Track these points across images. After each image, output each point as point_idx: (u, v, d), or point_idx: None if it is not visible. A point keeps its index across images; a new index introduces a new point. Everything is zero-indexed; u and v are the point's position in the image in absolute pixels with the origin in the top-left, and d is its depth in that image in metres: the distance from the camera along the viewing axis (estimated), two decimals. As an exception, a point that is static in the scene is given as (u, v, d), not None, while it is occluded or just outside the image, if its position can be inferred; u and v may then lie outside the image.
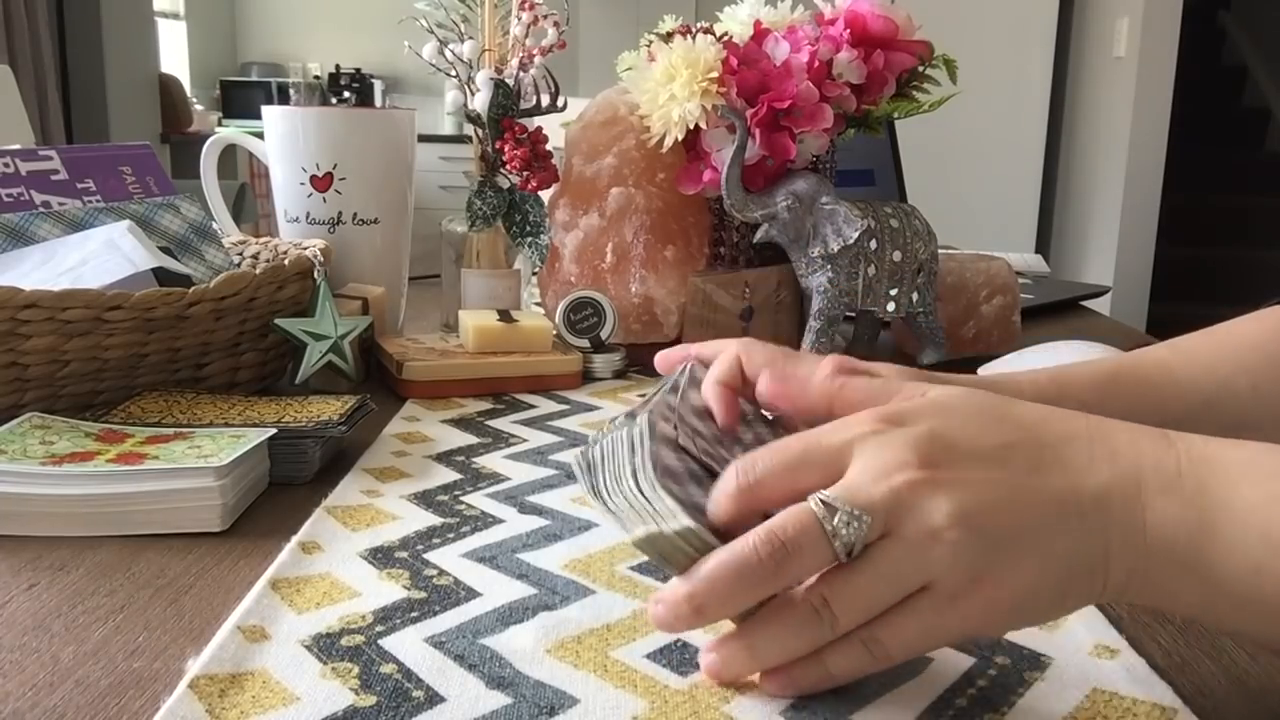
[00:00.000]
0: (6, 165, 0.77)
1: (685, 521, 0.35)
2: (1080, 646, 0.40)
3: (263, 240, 0.87)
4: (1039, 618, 0.36)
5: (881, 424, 0.35)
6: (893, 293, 0.84)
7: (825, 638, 0.35)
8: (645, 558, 0.48)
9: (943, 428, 0.35)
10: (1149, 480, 0.34)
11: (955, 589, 0.34)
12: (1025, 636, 0.41)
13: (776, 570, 0.34)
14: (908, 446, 0.35)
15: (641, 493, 0.36)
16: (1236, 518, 0.33)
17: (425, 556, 0.48)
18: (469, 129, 0.90)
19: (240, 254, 0.86)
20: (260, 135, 0.93)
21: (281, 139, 0.90)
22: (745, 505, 0.36)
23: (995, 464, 0.35)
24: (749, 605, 0.36)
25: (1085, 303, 1.29)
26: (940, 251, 0.88)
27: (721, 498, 0.36)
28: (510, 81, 0.86)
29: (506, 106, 0.86)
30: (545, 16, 0.87)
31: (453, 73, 0.88)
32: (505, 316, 0.81)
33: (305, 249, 0.79)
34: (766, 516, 0.35)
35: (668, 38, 0.87)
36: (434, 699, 0.36)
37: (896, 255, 0.83)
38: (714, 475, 0.38)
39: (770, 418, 0.44)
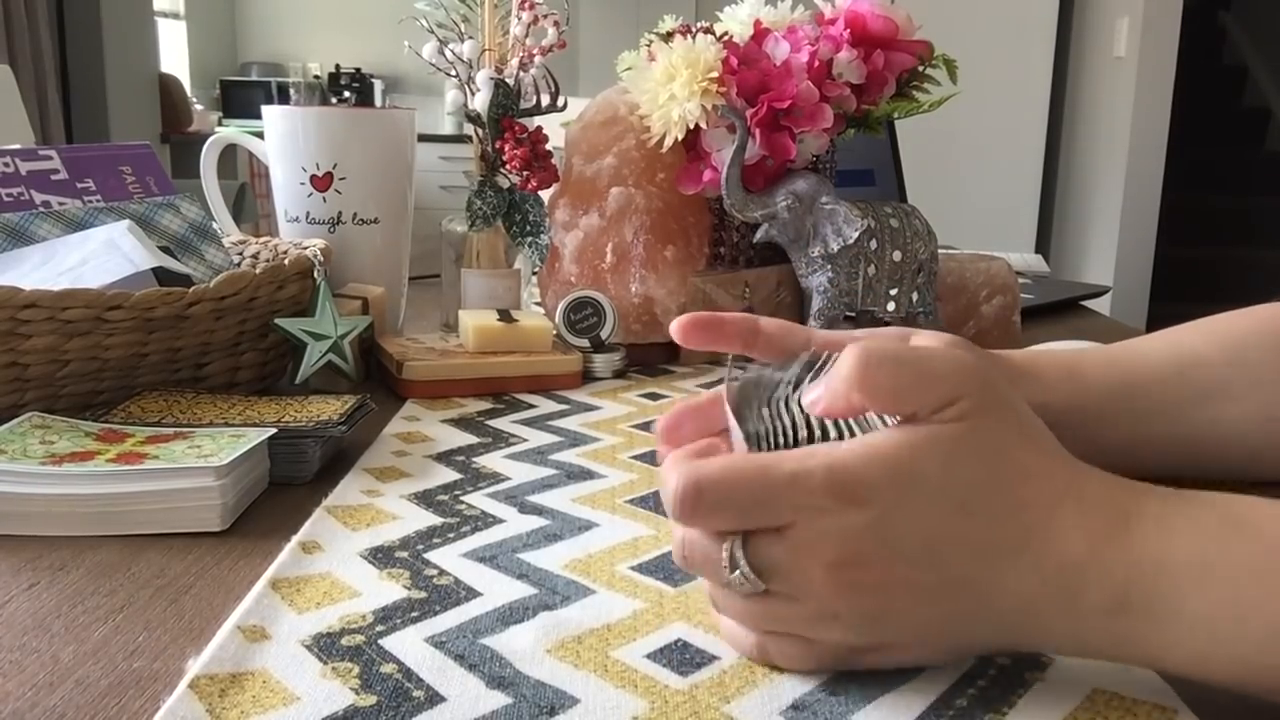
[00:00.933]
0: (6, 165, 0.77)
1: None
2: (1080, 646, 0.40)
3: (263, 240, 0.87)
4: (944, 663, 0.38)
5: (832, 500, 0.34)
6: (893, 293, 0.84)
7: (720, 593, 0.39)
8: (646, 558, 0.48)
9: (889, 518, 0.34)
10: (1089, 598, 0.34)
11: (845, 651, 0.37)
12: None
13: (683, 564, 0.38)
14: (842, 541, 0.34)
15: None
16: (1183, 624, 0.33)
17: (425, 556, 0.48)
18: (469, 129, 0.90)
19: (240, 254, 0.86)
20: (260, 135, 0.93)
21: (281, 139, 0.90)
22: (688, 525, 0.37)
23: (925, 566, 0.35)
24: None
25: (1085, 303, 1.29)
26: (940, 251, 0.88)
27: (668, 500, 0.36)
28: (510, 81, 0.86)
29: (506, 106, 0.86)
30: (545, 16, 0.87)
31: (453, 73, 0.88)
32: (505, 316, 0.81)
33: (305, 249, 0.79)
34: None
35: (668, 38, 0.87)
36: (434, 699, 0.36)
37: (896, 255, 0.83)
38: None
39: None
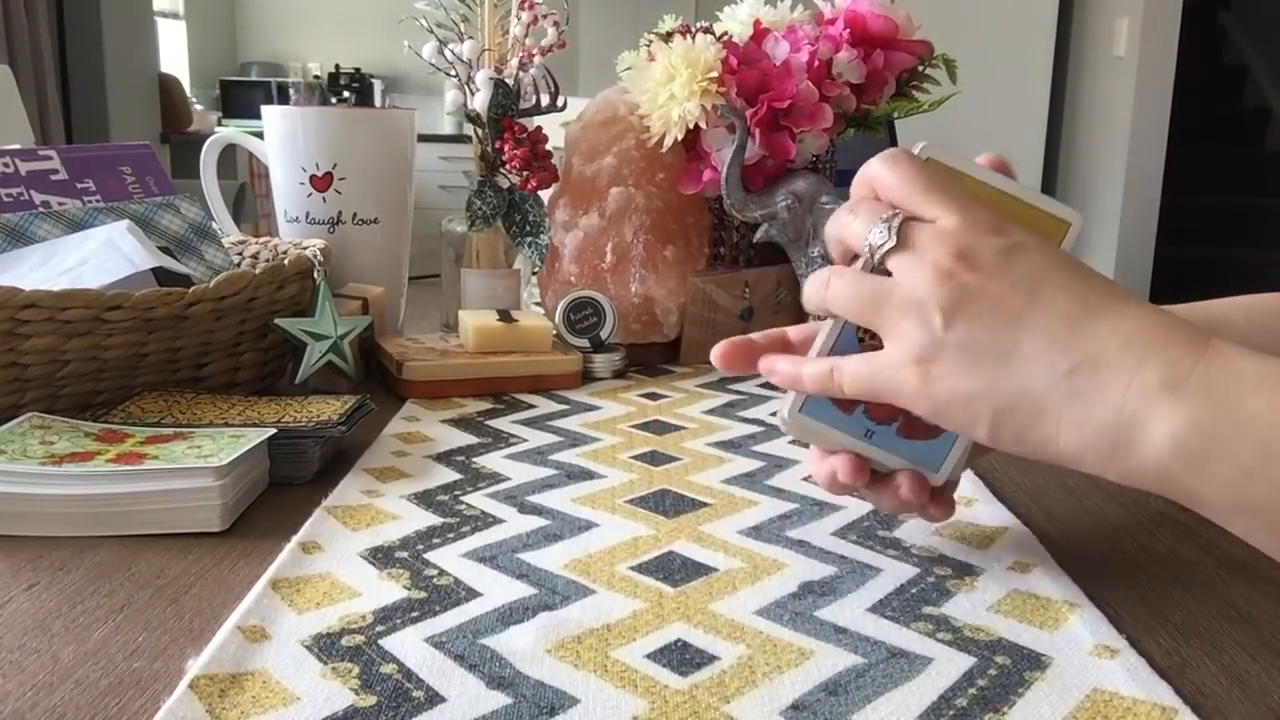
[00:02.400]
0: (6, 165, 0.77)
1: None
2: (1080, 646, 0.40)
3: (262, 240, 0.87)
4: (973, 433, 0.40)
5: (986, 224, 0.40)
6: (893, 292, 0.84)
7: (820, 293, 0.44)
8: (646, 558, 0.48)
9: (1020, 249, 0.39)
10: (1151, 372, 0.36)
11: (904, 358, 0.40)
12: (1025, 637, 0.41)
13: (847, 211, 0.44)
14: (970, 242, 0.39)
15: None
16: (1235, 423, 0.35)
17: (425, 556, 0.48)
18: (469, 129, 0.90)
19: (240, 254, 0.86)
20: (260, 135, 0.93)
21: (281, 139, 0.90)
22: (890, 159, 0.43)
23: (1023, 293, 0.39)
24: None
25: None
26: (940, 251, 0.88)
27: (880, 162, 0.43)
28: (510, 81, 0.86)
29: (506, 106, 0.86)
30: (545, 16, 0.87)
31: (453, 72, 0.88)
32: (505, 316, 0.81)
33: (305, 249, 0.79)
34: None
35: (667, 37, 0.87)
36: (434, 699, 0.36)
37: (896, 255, 0.83)
38: None
39: None
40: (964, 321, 0.39)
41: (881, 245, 0.41)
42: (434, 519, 0.53)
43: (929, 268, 0.40)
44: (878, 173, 0.43)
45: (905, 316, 0.40)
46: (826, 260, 0.82)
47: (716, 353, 0.48)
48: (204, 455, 0.52)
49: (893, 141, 1.34)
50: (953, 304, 0.39)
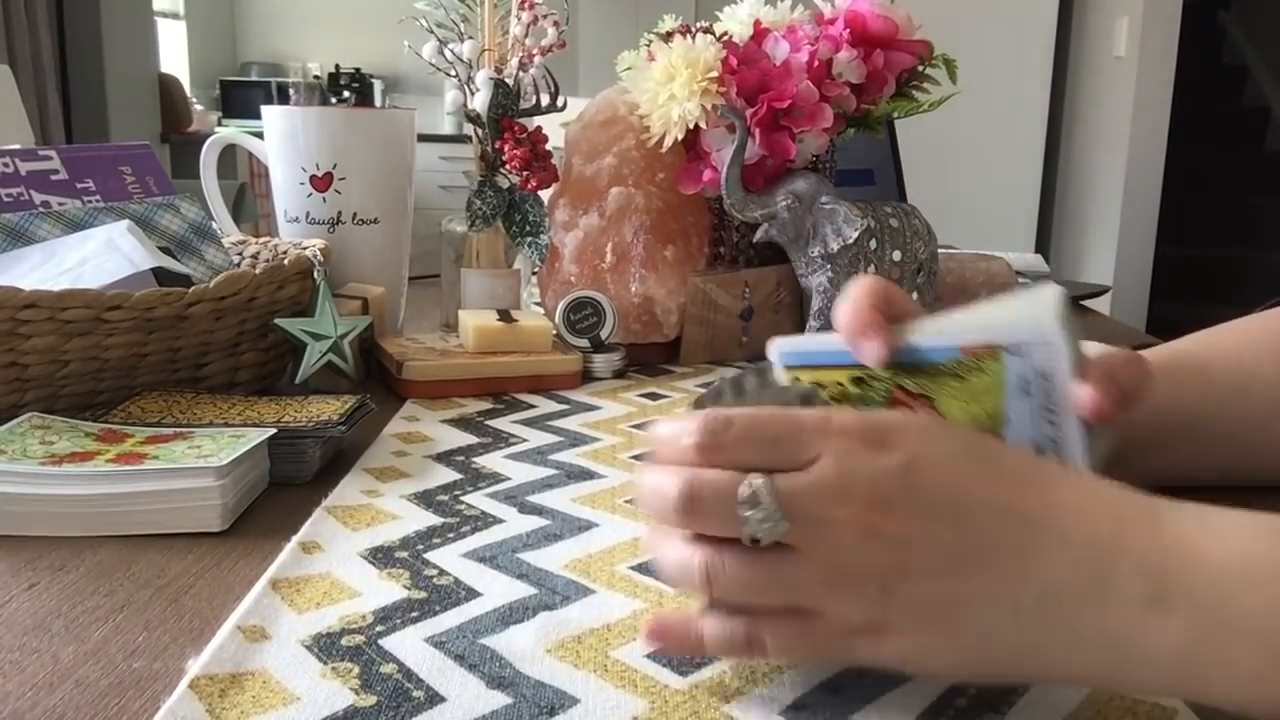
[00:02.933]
0: (6, 165, 0.77)
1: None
2: (1080, 646, 0.40)
3: (262, 240, 0.87)
4: (942, 673, 0.36)
5: (861, 443, 0.33)
6: (893, 292, 0.84)
7: (697, 590, 0.35)
8: (646, 558, 0.48)
9: (918, 464, 0.33)
10: (1123, 589, 0.31)
11: (846, 630, 0.34)
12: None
13: (681, 513, 0.34)
14: (870, 481, 0.33)
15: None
16: (1233, 632, 0.30)
17: (425, 556, 0.48)
18: (469, 129, 0.90)
19: (240, 254, 0.86)
20: (260, 135, 0.93)
21: (281, 139, 0.90)
22: (704, 460, 0.34)
23: (949, 523, 0.33)
24: (654, 520, 0.36)
25: (1085, 302, 1.29)
26: (940, 251, 0.88)
27: (686, 440, 0.34)
28: (510, 81, 0.86)
29: (506, 106, 0.86)
30: (545, 16, 0.87)
31: (453, 73, 0.88)
32: (505, 316, 0.81)
33: (305, 249, 0.79)
34: None
35: (667, 37, 0.87)
36: (434, 699, 0.36)
37: (896, 255, 0.83)
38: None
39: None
40: (903, 583, 0.33)
41: (774, 529, 0.33)
42: (434, 519, 0.53)
43: (839, 531, 0.33)
44: (693, 443, 0.34)
45: (834, 592, 0.33)
46: (827, 260, 0.82)
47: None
48: (204, 455, 0.52)
49: (893, 141, 1.34)
50: (885, 568, 0.33)
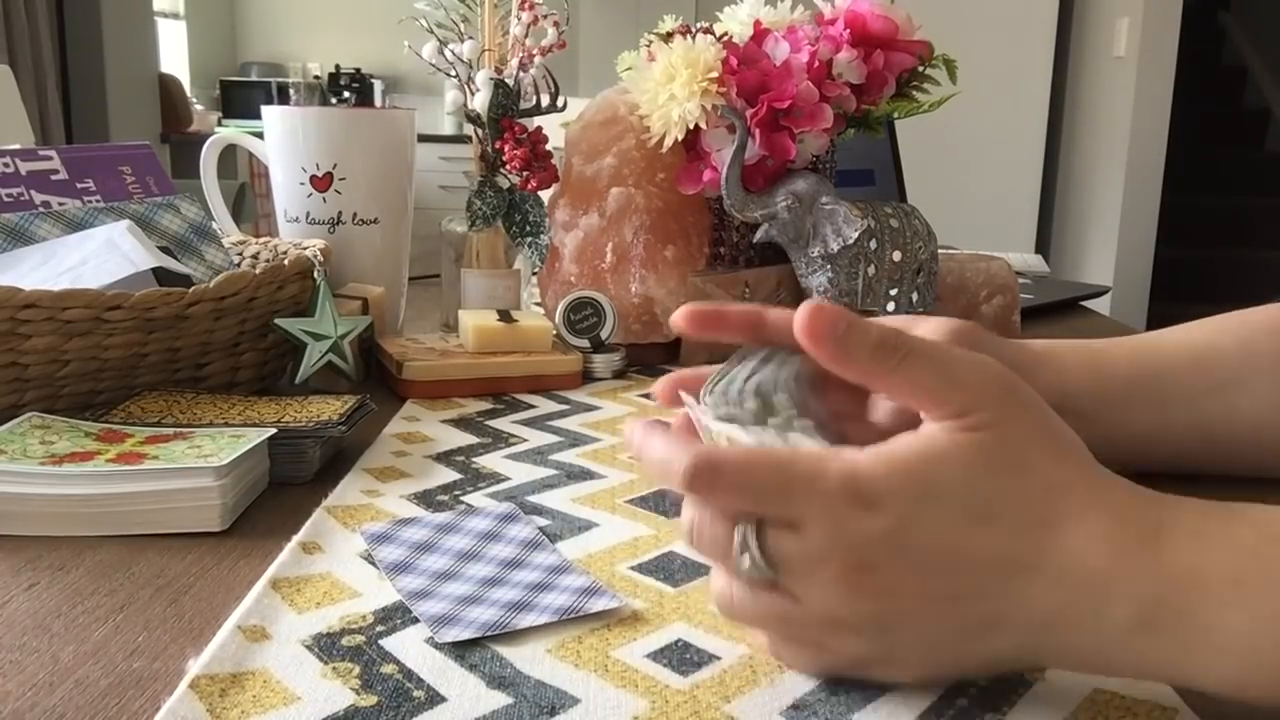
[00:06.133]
0: (6, 165, 0.77)
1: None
2: (1080, 646, 0.40)
3: (263, 240, 0.87)
4: (937, 679, 0.37)
5: (848, 504, 0.33)
6: (893, 293, 0.84)
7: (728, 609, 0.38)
8: (646, 558, 0.48)
9: (907, 526, 0.33)
10: (1113, 615, 0.33)
11: (853, 661, 0.36)
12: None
13: (691, 546, 0.37)
14: (857, 546, 0.33)
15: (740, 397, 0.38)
16: (1220, 642, 0.32)
17: (425, 556, 0.48)
18: (469, 129, 0.90)
19: (240, 254, 0.86)
20: (260, 135, 0.93)
21: (281, 139, 0.90)
22: (696, 492, 0.35)
23: (941, 576, 0.33)
24: None
25: (1085, 303, 1.29)
26: (940, 251, 0.88)
27: (675, 477, 0.35)
28: (510, 81, 0.86)
29: (506, 106, 0.86)
30: (545, 16, 0.87)
31: (453, 73, 0.88)
32: (505, 316, 0.81)
33: (305, 249, 0.79)
34: None
35: (668, 38, 0.87)
36: (434, 699, 0.36)
37: (896, 255, 0.83)
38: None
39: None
40: (898, 627, 0.34)
41: (762, 578, 0.35)
42: (434, 519, 0.53)
43: (827, 589, 0.34)
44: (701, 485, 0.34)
45: (834, 632, 0.35)
46: (827, 260, 0.82)
47: (678, 316, 0.41)
48: (204, 455, 0.52)
49: (893, 141, 1.34)
50: (879, 614, 0.34)
